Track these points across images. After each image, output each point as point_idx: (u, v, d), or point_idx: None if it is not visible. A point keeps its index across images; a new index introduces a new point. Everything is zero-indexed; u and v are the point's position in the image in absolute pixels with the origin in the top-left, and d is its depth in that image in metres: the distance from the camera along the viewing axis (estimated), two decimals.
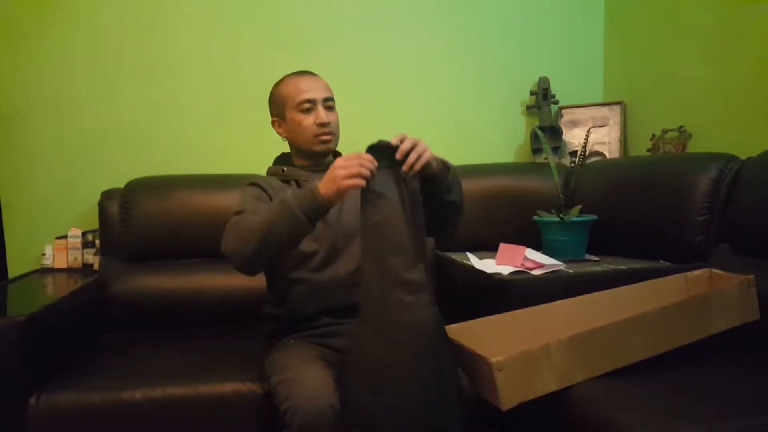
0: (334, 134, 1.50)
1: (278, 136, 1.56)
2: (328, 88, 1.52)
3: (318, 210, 1.23)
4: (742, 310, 1.41)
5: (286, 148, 1.60)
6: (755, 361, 1.37)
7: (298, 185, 1.49)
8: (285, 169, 1.53)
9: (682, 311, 1.34)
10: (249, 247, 1.26)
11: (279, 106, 1.51)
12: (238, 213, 1.37)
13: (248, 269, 1.33)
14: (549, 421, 1.34)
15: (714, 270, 1.55)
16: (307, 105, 1.46)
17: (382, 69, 2.41)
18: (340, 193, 1.21)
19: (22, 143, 2.20)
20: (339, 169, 1.20)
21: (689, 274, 1.56)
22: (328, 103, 1.50)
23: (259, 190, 1.47)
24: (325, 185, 1.22)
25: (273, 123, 1.54)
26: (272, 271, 1.51)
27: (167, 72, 2.27)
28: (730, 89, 1.93)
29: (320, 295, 1.42)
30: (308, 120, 1.46)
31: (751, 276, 1.43)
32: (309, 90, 1.47)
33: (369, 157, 1.22)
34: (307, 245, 1.39)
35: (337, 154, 1.57)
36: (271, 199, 1.44)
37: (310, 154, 1.51)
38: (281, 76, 1.57)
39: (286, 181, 1.51)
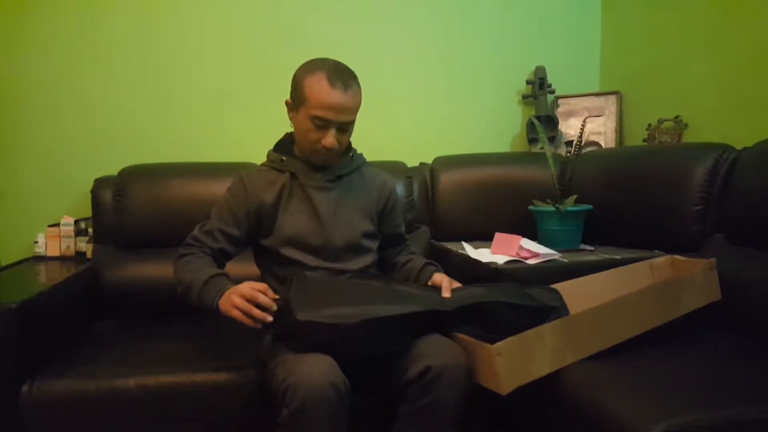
0: (338, 153, 1.43)
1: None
2: (354, 109, 1.39)
3: (208, 309, 1.31)
4: (706, 291, 1.48)
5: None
6: (722, 344, 1.42)
7: (294, 177, 1.46)
8: (284, 159, 1.47)
9: (657, 294, 1.40)
10: (178, 288, 1.41)
11: (298, 97, 1.38)
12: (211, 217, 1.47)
13: None
14: (543, 409, 1.34)
15: (676, 256, 1.61)
16: (319, 122, 1.35)
17: (379, 59, 2.39)
18: (224, 313, 1.27)
19: (14, 130, 2.18)
20: (238, 297, 1.24)
21: (653, 260, 1.61)
22: (345, 126, 1.39)
23: (238, 198, 1.45)
24: (224, 298, 1.28)
25: (287, 102, 1.43)
26: (261, 260, 1.52)
27: (163, 58, 2.25)
28: (727, 79, 1.93)
29: None
30: (315, 135, 1.37)
31: (713, 259, 1.50)
32: (332, 110, 1.34)
33: (267, 305, 1.25)
34: (295, 238, 1.42)
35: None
36: (247, 204, 1.43)
37: (308, 157, 1.46)
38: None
39: (281, 171, 1.47)
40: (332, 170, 1.48)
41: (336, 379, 1.15)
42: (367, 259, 1.50)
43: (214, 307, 1.29)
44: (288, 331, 1.25)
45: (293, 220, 1.43)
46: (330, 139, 1.36)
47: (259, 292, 1.25)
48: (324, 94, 1.33)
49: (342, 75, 1.36)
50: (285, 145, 1.51)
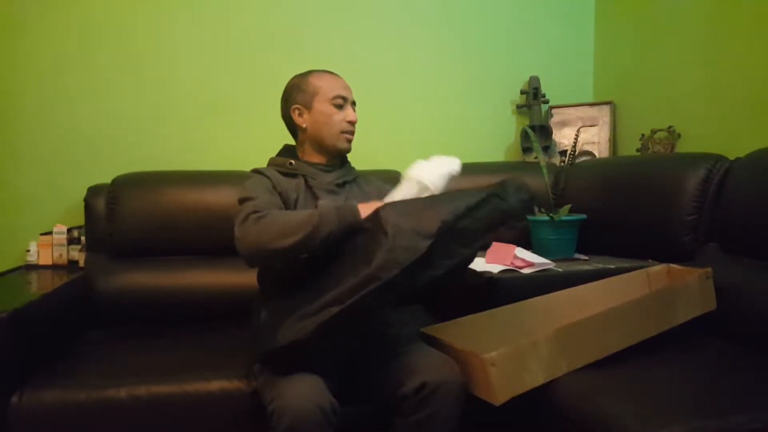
0: (353, 135, 1.53)
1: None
2: None
3: (352, 230, 1.25)
4: (702, 301, 1.47)
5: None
6: (717, 352, 1.41)
7: (306, 182, 1.47)
8: (293, 162, 1.50)
9: (653, 303, 1.40)
10: (282, 243, 1.23)
11: (307, 95, 1.49)
12: (247, 199, 1.35)
13: (266, 262, 1.33)
14: (538, 418, 1.34)
15: (672, 265, 1.60)
16: (340, 101, 1.48)
17: (374, 67, 2.40)
18: None
19: (6, 138, 2.17)
20: None
21: (650, 269, 1.61)
22: (353, 106, 1.53)
23: (267, 181, 1.44)
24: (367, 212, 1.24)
25: (293, 111, 1.50)
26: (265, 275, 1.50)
27: (156, 67, 2.25)
28: (719, 90, 1.94)
29: None
30: (339, 115, 1.48)
31: (709, 269, 1.49)
32: (343, 89, 1.50)
33: None
34: None
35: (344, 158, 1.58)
36: (274, 187, 1.42)
37: (330, 150, 1.50)
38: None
39: (291, 175, 1.48)
40: (338, 176, 1.52)
41: (323, 401, 1.14)
42: None
43: (356, 223, 1.24)
44: (265, 359, 1.26)
45: None
46: (352, 113, 1.50)
47: None
48: (332, 79, 1.51)
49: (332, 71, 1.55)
50: (288, 150, 1.56)
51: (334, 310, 1.13)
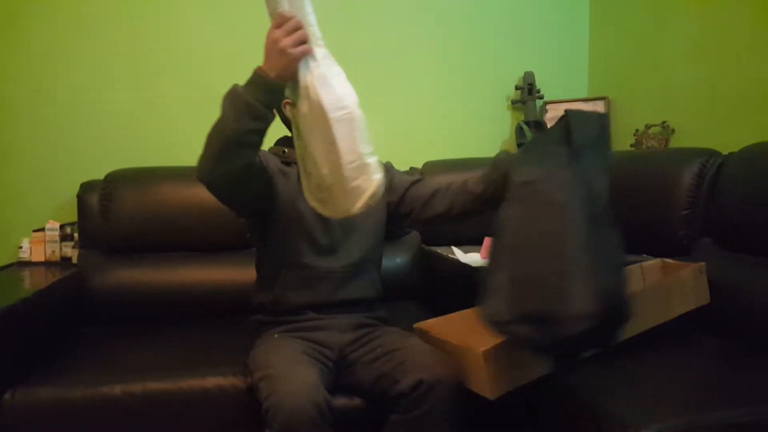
0: None
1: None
2: None
3: (270, 91, 1.17)
4: (696, 295, 1.48)
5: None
6: (710, 347, 1.43)
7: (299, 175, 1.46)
8: (286, 150, 1.50)
9: (648, 297, 1.40)
10: (212, 153, 1.23)
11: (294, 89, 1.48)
12: None
13: (214, 178, 1.27)
14: (536, 411, 1.34)
15: (666, 260, 1.62)
16: None
17: (368, 63, 2.39)
18: (292, 66, 1.15)
19: None
20: (281, 39, 1.12)
21: (644, 263, 1.61)
22: None
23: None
24: (270, 62, 1.14)
25: (284, 105, 1.46)
26: (264, 254, 1.49)
27: (150, 62, 2.23)
28: (713, 85, 1.95)
29: (310, 285, 1.41)
30: None
31: (702, 263, 1.50)
32: None
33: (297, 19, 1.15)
34: (303, 234, 1.40)
35: None
36: (268, 166, 1.42)
37: None
38: None
39: (287, 163, 1.49)
40: None
41: (318, 398, 1.14)
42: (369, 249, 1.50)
43: (268, 80, 1.15)
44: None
45: (302, 220, 1.42)
46: None
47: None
48: None
49: None
50: (283, 141, 1.55)
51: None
